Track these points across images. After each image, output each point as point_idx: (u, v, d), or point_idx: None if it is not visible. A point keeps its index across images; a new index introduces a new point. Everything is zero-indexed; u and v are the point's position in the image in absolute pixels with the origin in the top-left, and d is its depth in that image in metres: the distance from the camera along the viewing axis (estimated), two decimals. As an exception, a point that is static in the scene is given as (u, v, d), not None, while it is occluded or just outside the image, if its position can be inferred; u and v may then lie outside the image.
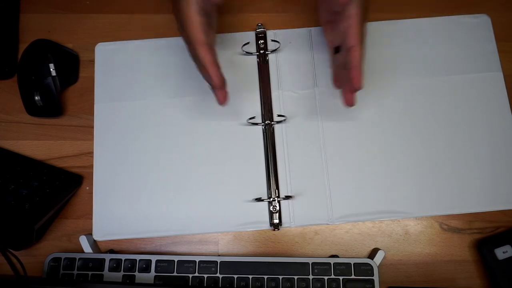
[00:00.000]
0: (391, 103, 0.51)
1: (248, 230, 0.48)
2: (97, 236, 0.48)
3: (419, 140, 0.50)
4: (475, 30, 0.53)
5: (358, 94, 0.51)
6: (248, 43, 0.52)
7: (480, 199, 0.48)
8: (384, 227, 0.49)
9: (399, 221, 0.49)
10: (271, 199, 0.48)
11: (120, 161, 0.50)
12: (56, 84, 0.51)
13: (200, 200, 0.49)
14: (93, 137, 0.51)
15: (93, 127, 0.51)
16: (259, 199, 0.48)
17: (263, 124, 0.50)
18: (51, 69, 0.50)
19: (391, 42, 0.53)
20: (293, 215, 0.48)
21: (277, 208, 0.48)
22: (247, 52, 0.52)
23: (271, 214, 0.48)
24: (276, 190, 0.49)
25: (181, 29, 0.43)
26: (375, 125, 0.50)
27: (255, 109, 0.51)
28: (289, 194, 0.49)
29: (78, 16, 0.55)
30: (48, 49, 0.51)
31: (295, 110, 0.51)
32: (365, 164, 0.49)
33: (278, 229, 0.48)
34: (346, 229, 0.48)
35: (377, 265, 0.45)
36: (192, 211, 0.48)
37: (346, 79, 0.44)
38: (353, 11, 0.42)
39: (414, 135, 0.50)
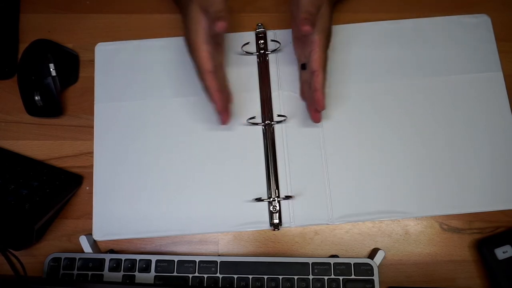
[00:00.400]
0: (391, 103, 0.51)
1: (248, 230, 0.48)
2: (97, 236, 0.48)
3: (419, 140, 0.50)
4: (475, 30, 0.53)
5: (359, 93, 0.51)
6: (248, 43, 0.52)
7: (480, 199, 0.48)
8: (384, 227, 0.48)
9: (399, 221, 0.49)
10: (271, 199, 0.48)
11: (120, 161, 0.50)
12: (56, 84, 0.51)
13: (200, 200, 0.49)
14: (93, 137, 0.51)
15: (93, 127, 0.51)
16: (259, 199, 0.48)
17: (263, 124, 0.50)
18: (51, 69, 0.50)
19: (391, 42, 0.53)
20: (293, 215, 0.48)
21: (277, 208, 0.48)
22: (247, 52, 0.52)
23: (271, 214, 0.48)
24: (276, 190, 0.49)
25: (190, 54, 0.46)
26: (375, 125, 0.50)
27: (255, 109, 0.51)
28: (289, 194, 0.49)
29: (78, 16, 0.55)
30: (48, 49, 0.51)
31: (295, 110, 0.51)
32: (365, 164, 0.49)
33: (278, 229, 0.48)
34: (346, 229, 0.48)
35: (377, 265, 0.45)
36: (192, 211, 0.48)
37: (311, 98, 0.47)
38: (316, 37, 0.45)
39: (414, 135, 0.50)
